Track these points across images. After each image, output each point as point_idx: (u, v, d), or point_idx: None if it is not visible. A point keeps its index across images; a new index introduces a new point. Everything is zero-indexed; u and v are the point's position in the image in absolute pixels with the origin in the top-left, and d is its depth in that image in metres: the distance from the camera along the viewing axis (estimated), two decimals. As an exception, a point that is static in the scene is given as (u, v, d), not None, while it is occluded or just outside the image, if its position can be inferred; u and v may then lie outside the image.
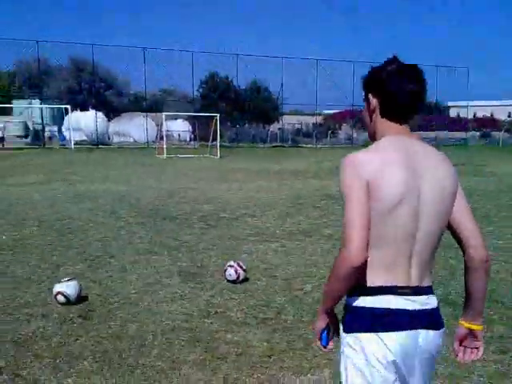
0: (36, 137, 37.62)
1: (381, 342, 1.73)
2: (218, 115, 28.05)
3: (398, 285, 1.75)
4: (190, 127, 46.48)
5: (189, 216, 9.29)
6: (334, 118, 52.45)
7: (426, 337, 1.77)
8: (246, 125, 51.08)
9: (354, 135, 45.14)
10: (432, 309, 1.80)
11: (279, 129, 48.26)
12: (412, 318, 1.74)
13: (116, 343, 3.93)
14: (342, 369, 1.86)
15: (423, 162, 1.77)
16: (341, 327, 1.86)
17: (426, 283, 1.81)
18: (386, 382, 1.76)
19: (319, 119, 50.53)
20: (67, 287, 4.67)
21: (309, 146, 42.17)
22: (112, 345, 3.91)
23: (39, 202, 10.68)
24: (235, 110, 45.54)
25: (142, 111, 42.60)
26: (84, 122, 37.90)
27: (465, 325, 1.92)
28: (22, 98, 45.03)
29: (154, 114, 39.17)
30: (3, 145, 28.27)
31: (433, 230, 1.77)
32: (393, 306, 1.74)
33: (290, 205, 10.88)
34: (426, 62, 30.10)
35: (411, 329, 1.74)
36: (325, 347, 1.96)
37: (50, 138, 38.31)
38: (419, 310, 1.76)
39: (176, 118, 46.80)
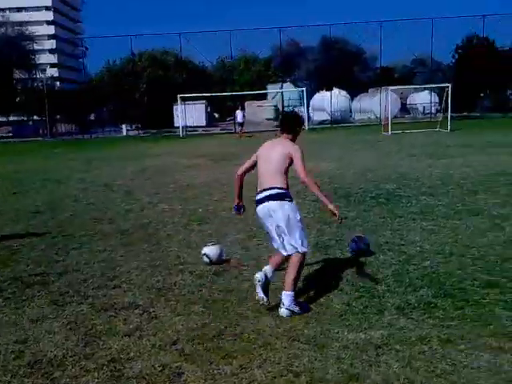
0: (283, 118, 40.81)
1: (257, 209, 4.74)
2: (450, 85, 26.73)
3: (260, 189, 4.71)
4: (437, 98, 44.70)
5: (365, 194, 9.89)
6: None
7: (267, 205, 4.62)
8: (508, 91, 46.79)
9: None
10: (269, 194, 4.60)
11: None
12: (262, 200, 4.65)
13: (225, 295, 5.03)
14: None
15: (277, 145, 4.83)
16: None
17: (269, 186, 4.62)
18: (262, 221, 4.76)
19: None
20: (210, 250, 5.94)
21: None
22: (222, 296, 5.02)
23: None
24: (496, 75, 41.49)
25: (389, 85, 42.31)
26: (326, 101, 39.92)
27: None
28: (276, 82, 49.12)
29: (395, 88, 38.54)
30: (241, 130, 31.41)
31: (271, 168, 4.67)
32: (257, 198, 4.71)
33: (485, 182, 10.52)
34: None
35: (262, 203, 4.64)
36: (237, 214, 5.36)
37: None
38: (264, 196, 4.63)
39: (424, 89, 45.39)
